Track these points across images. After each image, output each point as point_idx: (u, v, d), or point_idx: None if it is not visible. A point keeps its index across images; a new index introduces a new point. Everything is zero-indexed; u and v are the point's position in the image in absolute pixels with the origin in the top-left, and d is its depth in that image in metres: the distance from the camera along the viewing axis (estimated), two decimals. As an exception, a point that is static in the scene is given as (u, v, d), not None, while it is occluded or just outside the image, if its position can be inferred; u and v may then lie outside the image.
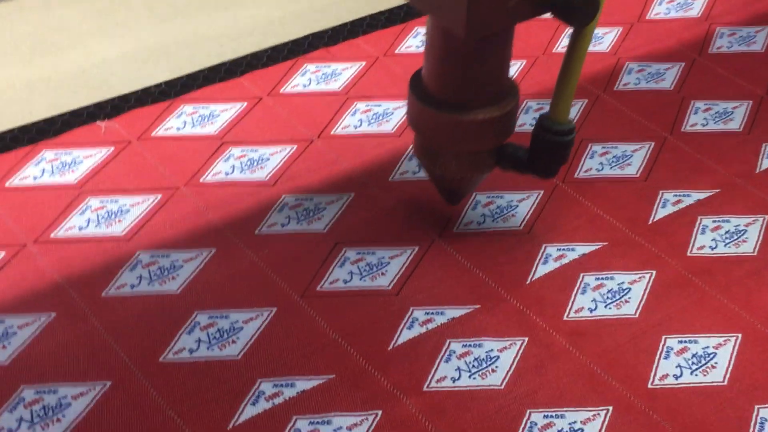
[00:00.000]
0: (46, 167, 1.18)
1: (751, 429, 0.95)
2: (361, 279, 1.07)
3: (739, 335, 1.03)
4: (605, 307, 1.06)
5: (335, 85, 1.34)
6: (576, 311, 1.05)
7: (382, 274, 1.08)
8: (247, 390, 0.96)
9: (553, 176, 1.08)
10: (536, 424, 0.94)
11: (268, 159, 1.21)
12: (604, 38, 1.44)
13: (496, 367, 0.99)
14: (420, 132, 1.07)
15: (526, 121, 1.29)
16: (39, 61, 1.35)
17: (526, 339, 1.02)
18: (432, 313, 1.04)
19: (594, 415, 0.95)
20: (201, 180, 1.18)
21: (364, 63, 1.37)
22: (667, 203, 1.18)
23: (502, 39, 1.01)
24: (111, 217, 1.13)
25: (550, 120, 1.04)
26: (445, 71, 1.02)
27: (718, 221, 1.16)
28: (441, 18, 0.96)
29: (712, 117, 1.31)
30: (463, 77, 1.02)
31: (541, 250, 1.12)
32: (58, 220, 1.12)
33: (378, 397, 0.96)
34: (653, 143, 1.26)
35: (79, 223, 1.11)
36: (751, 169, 1.23)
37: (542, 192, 1.19)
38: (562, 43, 1.44)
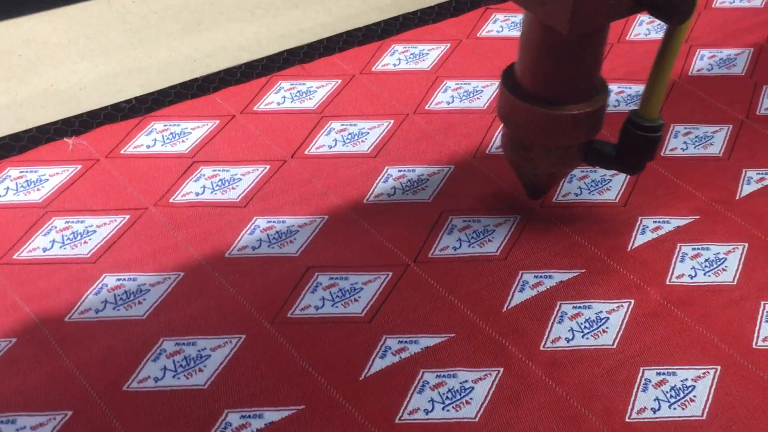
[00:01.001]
0: (11, 185, 1.15)
1: (731, 466, 0.93)
2: (333, 305, 1.05)
3: (718, 367, 1.01)
4: (582, 337, 1.03)
5: (310, 103, 1.31)
6: (553, 341, 1.03)
7: (355, 300, 1.05)
8: (213, 421, 0.93)
9: (640, 172, 1.11)
10: (511, 459, 0.92)
11: (240, 179, 1.18)
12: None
13: (471, 398, 0.97)
14: (512, 126, 1.09)
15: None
16: (6, 75, 1.31)
17: (502, 370, 1.00)
18: (405, 342, 1.02)
19: (570, 450, 0.93)
20: (171, 200, 1.15)
21: (339, 81, 1.35)
22: (646, 230, 1.16)
23: (598, 36, 1.03)
24: (76, 238, 1.09)
25: (640, 116, 1.06)
26: (541, 66, 1.04)
27: (698, 249, 1.14)
28: (543, 14, 0.98)
29: (692, 141, 1.29)
30: (560, 73, 1.04)
31: (518, 277, 1.09)
32: (21, 240, 1.08)
33: (348, 430, 0.93)
34: (632, 168, 1.24)
35: (44, 244, 1.08)
36: (731, 196, 1.21)
37: (520, 217, 1.16)
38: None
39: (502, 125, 1.14)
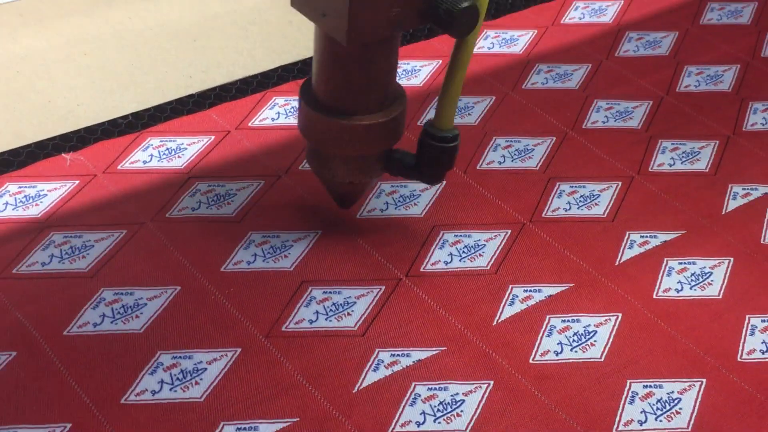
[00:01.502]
0: (9, 200, 1.17)
1: (715, 477, 0.95)
2: (327, 319, 1.07)
3: (704, 380, 1.03)
4: (571, 350, 1.06)
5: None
6: (542, 354, 1.05)
7: (348, 314, 1.08)
8: (209, 433, 0.95)
9: (439, 182, 1.13)
10: (501, 470, 0.94)
11: (236, 194, 1.20)
12: (573, 75, 1.45)
13: (461, 411, 0.99)
14: (309, 137, 1.10)
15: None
16: (5, 90, 1.33)
17: (492, 382, 1.02)
18: (398, 355, 1.04)
19: (558, 462, 0.95)
20: (167, 215, 1.17)
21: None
22: (634, 244, 1.18)
23: (386, 46, 1.04)
24: (75, 252, 1.11)
25: (435, 127, 1.08)
26: (331, 77, 1.05)
27: (684, 263, 1.17)
28: (325, 25, 1.00)
29: (679, 157, 1.32)
30: (349, 83, 1.05)
31: (508, 291, 1.12)
32: (20, 255, 1.10)
33: (342, 441, 0.95)
34: (620, 183, 1.27)
35: (42, 259, 1.10)
36: (717, 211, 1.24)
37: (510, 231, 1.19)
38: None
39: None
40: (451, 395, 1.00)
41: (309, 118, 1.08)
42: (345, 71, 1.04)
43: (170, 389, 0.98)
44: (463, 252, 1.16)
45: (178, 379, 0.99)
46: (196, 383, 0.99)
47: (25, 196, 1.18)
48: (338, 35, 0.98)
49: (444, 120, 1.08)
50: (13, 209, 1.16)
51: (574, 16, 1.58)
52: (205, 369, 1.01)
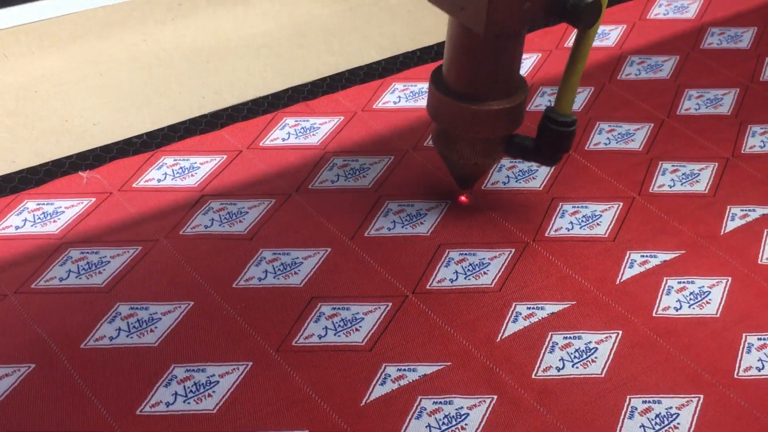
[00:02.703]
0: (28, 217, 1.20)
1: (711, 490, 0.98)
2: (335, 334, 1.10)
3: (701, 396, 1.07)
4: (572, 366, 1.09)
5: (314, 139, 1.37)
6: (544, 370, 1.08)
7: (356, 329, 1.11)
8: (222, 444, 0.98)
9: (557, 163, 1.22)
10: (503, 482, 0.97)
11: (247, 212, 1.24)
12: (576, 98, 1.48)
13: (465, 424, 1.02)
14: (439, 120, 1.19)
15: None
16: (23, 110, 1.37)
17: (495, 397, 1.05)
18: (404, 370, 1.07)
19: (560, 474, 0.98)
20: (181, 232, 1.20)
21: (342, 118, 1.41)
22: (634, 263, 1.22)
23: (514, 39, 1.13)
24: (91, 268, 1.15)
25: (555, 112, 1.17)
26: (463, 65, 1.15)
27: (684, 282, 1.20)
28: (462, 17, 1.09)
29: (679, 178, 1.35)
30: (479, 71, 1.15)
31: (512, 309, 1.15)
32: (39, 271, 1.14)
33: (350, 453, 0.98)
34: (621, 204, 1.30)
35: (60, 274, 1.14)
36: (716, 231, 1.27)
37: (513, 250, 1.22)
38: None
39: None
40: (456, 409, 1.03)
41: (440, 102, 1.17)
42: (477, 60, 1.13)
43: (184, 401, 1.02)
44: (468, 270, 1.19)
45: (191, 391, 1.03)
46: (209, 395, 1.03)
47: (43, 213, 1.21)
48: (476, 27, 1.07)
49: (564, 105, 1.16)
50: (32, 226, 1.19)
51: (577, 39, 1.61)
52: (218, 382, 1.04)
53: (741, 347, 1.12)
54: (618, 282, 1.19)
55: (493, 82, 1.15)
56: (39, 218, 1.20)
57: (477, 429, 1.02)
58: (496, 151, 1.21)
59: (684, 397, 1.06)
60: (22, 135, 1.33)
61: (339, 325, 1.11)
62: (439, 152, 1.24)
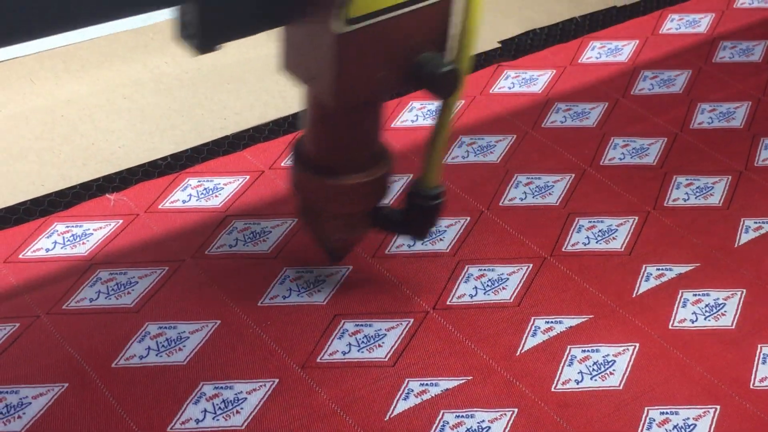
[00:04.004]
0: (58, 239, 1.24)
1: (729, 499, 1.00)
2: (359, 351, 1.13)
3: (718, 407, 1.09)
4: (591, 378, 1.11)
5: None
6: (563, 383, 1.11)
7: (379, 345, 1.14)
8: (250, 459, 1.01)
9: (426, 237, 1.17)
10: (525, 493, 0.99)
11: (270, 232, 1.27)
12: (591, 113, 1.51)
13: (488, 437, 1.05)
14: (301, 194, 1.14)
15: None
16: (50, 134, 1.41)
17: (516, 410, 1.08)
18: (426, 384, 1.10)
19: (580, 485, 1.01)
20: (206, 252, 1.23)
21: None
22: (650, 277, 1.24)
23: (372, 108, 1.08)
24: (120, 289, 1.18)
25: (421, 186, 1.12)
26: (319, 138, 1.09)
27: (699, 295, 1.22)
28: (313, 87, 1.04)
29: (693, 192, 1.37)
30: (336, 144, 1.09)
31: (530, 323, 1.17)
32: (69, 292, 1.17)
33: (375, 466, 1.01)
34: (637, 218, 1.32)
35: (90, 295, 1.17)
36: (730, 244, 1.29)
37: (531, 265, 1.25)
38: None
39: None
40: (478, 422, 1.06)
41: (299, 176, 1.12)
42: (332, 132, 1.08)
43: (213, 418, 1.05)
44: (488, 285, 1.22)
45: (220, 408, 1.06)
46: (237, 412, 1.05)
47: (73, 236, 1.24)
48: (325, 97, 1.01)
49: (430, 179, 1.11)
50: (62, 248, 1.23)
51: (591, 55, 1.64)
52: (246, 398, 1.07)
53: (756, 358, 1.15)
54: (634, 295, 1.22)
55: (351, 154, 1.09)
56: (68, 240, 1.24)
57: (499, 442, 1.04)
58: (362, 224, 1.14)
59: (701, 408, 1.09)
60: (50, 159, 1.37)
61: (362, 342, 1.14)
62: (304, 226, 1.17)
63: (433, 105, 1.50)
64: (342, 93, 1.00)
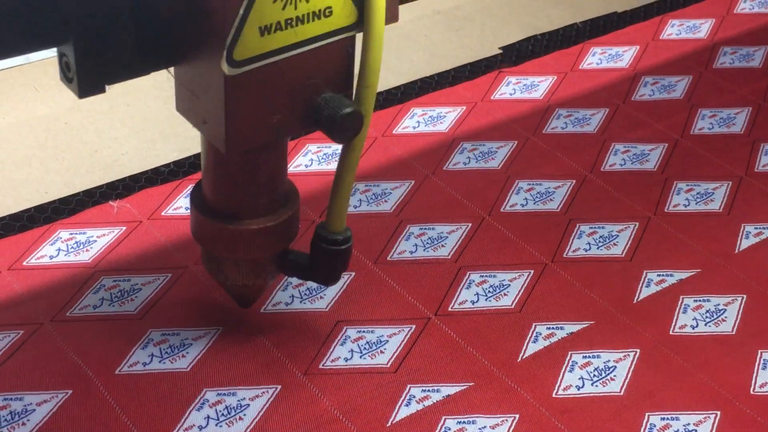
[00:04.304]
0: (62, 246, 1.24)
1: (729, 504, 1.00)
2: (361, 357, 1.13)
3: (718, 413, 1.09)
4: (592, 384, 1.12)
5: (335, 165, 1.40)
6: (564, 389, 1.11)
7: (381, 352, 1.14)
8: (253, 465, 1.02)
9: (335, 283, 1.11)
10: (527, 499, 1.00)
11: (273, 238, 1.27)
12: (592, 119, 1.51)
13: (489, 443, 1.05)
14: (200, 241, 1.09)
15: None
16: (53, 142, 1.41)
17: (517, 416, 1.08)
18: (428, 391, 1.10)
19: (581, 491, 1.01)
20: (209, 259, 1.24)
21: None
22: (651, 283, 1.25)
23: (271, 152, 1.02)
24: (124, 296, 1.19)
25: (327, 230, 1.06)
26: (216, 182, 1.05)
27: (699, 300, 1.23)
28: (205, 132, 0.99)
29: (693, 198, 1.38)
30: (234, 188, 1.04)
31: (532, 329, 1.18)
32: (73, 299, 1.18)
33: (377, 473, 1.02)
34: (637, 224, 1.33)
35: (93, 302, 1.17)
36: (730, 250, 1.30)
37: (533, 272, 1.25)
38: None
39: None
40: (479, 428, 1.07)
41: (198, 222, 1.07)
42: (229, 176, 1.03)
43: (216, 425, 1.05)
44: (489, 291, 1.22)
45: (223, 414, 1.06)
46: (240, 419, 1.06)
47: (76, 243, 1.25)
48: (217, 142, 0.96)
49: (335, 222, 1.06)
50: (65, 255, 1.23)
51: (592, 61, 1.65)
52: (248, 405, 1.07)
53: (757, 363, 1.15)
54: (635, 301, 1.22)
55: (251, 199, 1.04)
56: (72, 248, 1.24)
57: (500, 448, 1.05)
58: (267, 270, 1.09)
59: (702, 414, 1.09)
60: (53, 166, 1.38)
61: (364, 348, 1.14)
62: (208, 272, 1.12)
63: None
64: (234, 138, 0.94)
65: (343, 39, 0.96)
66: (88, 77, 0.90)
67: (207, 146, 1.02)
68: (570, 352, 1.15)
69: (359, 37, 0.97)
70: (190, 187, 1.35)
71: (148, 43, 0.92)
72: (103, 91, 0.92)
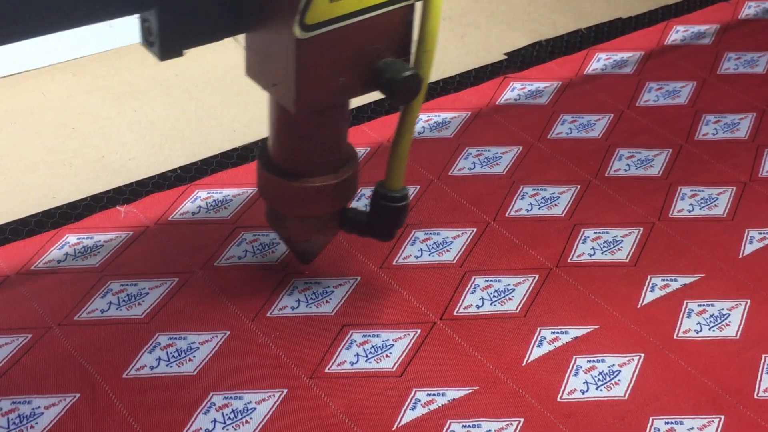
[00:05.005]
0: (69, 251, 1.25)
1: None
2: (366, 361, 1.14)
3: (722, 417, 1.10)
4: (596, 388, 1.12)
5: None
6: (569, 393, 1.12)
7: (387, 356, 1.15)
8: (260, 468, 1.02)
9: (391, 239, 1.17)
10: (531, 502, 1.01)
11: (279, 243, 1.28)
12: (596, 124, 1.52)
13: (494, 447, 1.06)
14: (266, 198, 1.16)
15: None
16: (62, 147, 1.42)
17: (522, 420, 1.09)
18: (433, 394, 1.11)
19: (585, 494, 1.02)
20: (215, 264, 1.25)
21: (368, 149, 1.45)
22: (655, 287, 1.25)
23: (335, 112, 1.09)
24: (131, 300, 1.19)
25: (386, 188, 1.13)
26: (283, 142, 1.11)
27: (703, 305, 1.23)
28: (275, 93, 1.06)
29: (698, 203, 1.39)
30: (300, 147, 1.10)
31: (537, 333, 1.19)
32: (81, 303, 1.18)
33: (383, 476, 1.02)
34: (642, 229, 1.34)
35: (101, 306, 1.18)
36: (734, 255, 1.31)
37: (537, 276, 1.26)
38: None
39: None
40: (484, 432, 1.07)
41: (264, 180, 1.14)
42: (296, 136, 1.09)
43: (223, 428, 1.06)
44: (494, 296, 1.23)
45: (230, 418, 1.07)
46: (247, 422, 1.07)
47: (84, 247, 1.26)
48: (287, 103, 1.02)
49: (394, 180, 1.12)
50: (73, 259, 1.24)
51: (596, 67, 1.65)
52: (255, 408, 1.08)
53: (761, 368, 1.16)
54: (639, 306, 1.23)
55: (317, 158, 1.10)
56: (80, 252, 1.25)
57: (505, 451, 1.05)
58: (329, 227, 1.16)
59: (705, 418, 1.10)
60: (62, 171, 1.39)
61: (370, 352, 1.15)
62: (272, 229, 1.19)
63: (440, 116, 1.51)
64: (303, 99, 1.02)
65: (404, 7, 1.03)
66: (169, 41, 0.97)
67: (275, 107, 1.09)
68: (574, 357, 1.16)
69: (418, 6, 1.04)
70: (197, 192, 1.36)
71: (226, 10, 1.00)
72: (180, 54, 0.99)
